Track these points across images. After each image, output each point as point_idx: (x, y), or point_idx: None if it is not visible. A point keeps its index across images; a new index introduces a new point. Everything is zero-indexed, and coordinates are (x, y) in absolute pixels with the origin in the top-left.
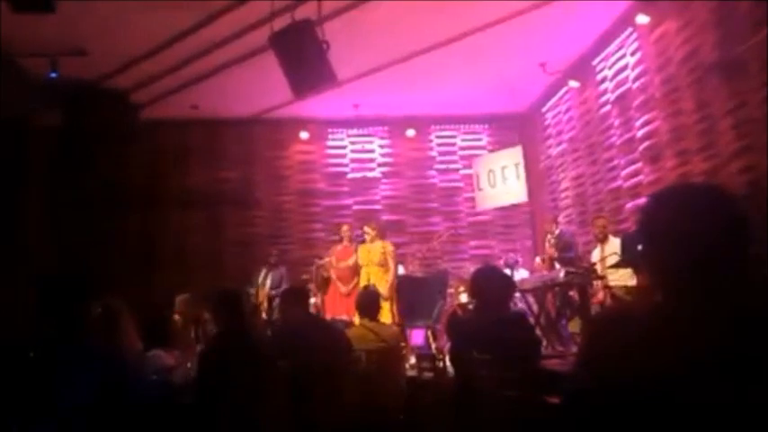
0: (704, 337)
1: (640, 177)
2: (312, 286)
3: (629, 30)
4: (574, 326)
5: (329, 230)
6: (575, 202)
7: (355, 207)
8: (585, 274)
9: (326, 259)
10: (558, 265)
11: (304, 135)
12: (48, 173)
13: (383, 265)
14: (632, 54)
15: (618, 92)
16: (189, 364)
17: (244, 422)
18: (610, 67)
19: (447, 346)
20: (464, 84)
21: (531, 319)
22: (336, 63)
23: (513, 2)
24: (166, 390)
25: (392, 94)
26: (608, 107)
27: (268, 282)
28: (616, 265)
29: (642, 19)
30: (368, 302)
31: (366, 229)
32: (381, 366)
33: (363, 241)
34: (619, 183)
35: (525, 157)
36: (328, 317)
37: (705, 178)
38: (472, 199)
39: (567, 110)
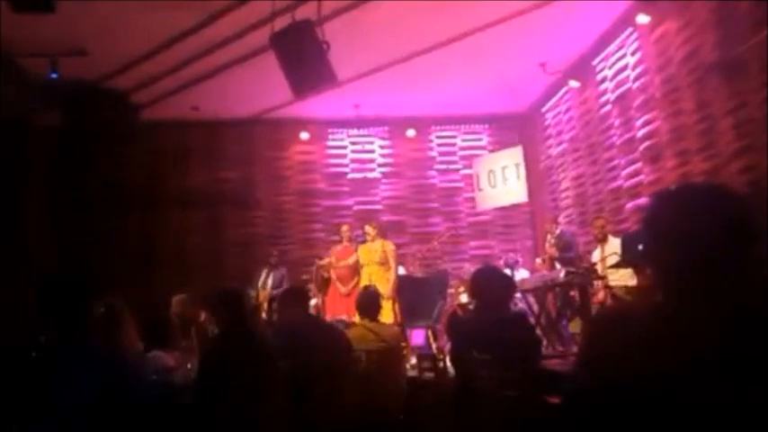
0: (704, 337)
1: (641, 177)
2: (312, 286)
3: (630, 30)
4: (574, 326)
5: (329, 231)
6: (575, 202)
7: (355, 207)
8: (586, 275)
9: (326, 260)
10: (558, 266)
11: (304, 135)
12: (48, 173)
13: (384, 264)
14: (632, 54)
15: (618, 92)
16: (189, 365)
17: (244, 422)
18: (610, 67)
19: (447, 346)
20: (464, 84)
21: (532, 320)
22: (337, 63)
23: (513, 2)
24: (166, 390)
25: (392, 94)
26: (608, 107)
27: (269, 282)
28: (616, 265)
29: (642, 19)
30: (368, 302)
31: (367, 228)
32: (381, 366)
33: (364, 241)
34: (619, 183)
35: (525, 157)
36: (328, 317)
37: (705, 178)
38: (472, 199)
39: (568, 110)
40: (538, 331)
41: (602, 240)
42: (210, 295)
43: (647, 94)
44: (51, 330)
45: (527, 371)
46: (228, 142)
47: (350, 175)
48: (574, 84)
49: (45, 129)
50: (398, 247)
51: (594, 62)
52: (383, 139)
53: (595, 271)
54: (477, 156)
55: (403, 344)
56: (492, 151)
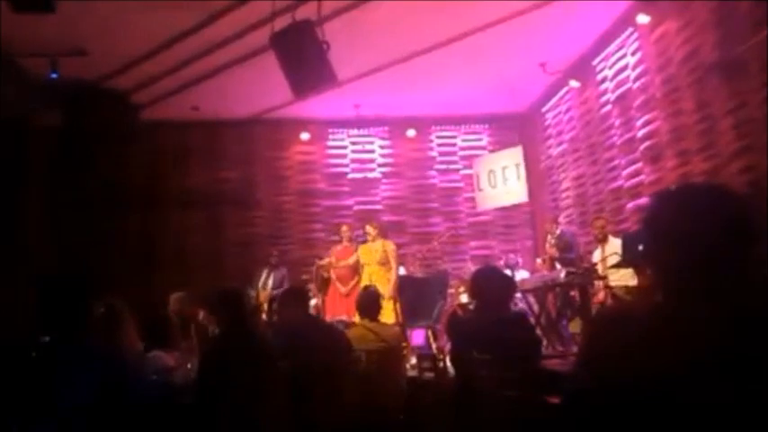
0: (704, 337)
1: (641, 177)
2: (312, 286)
3: (630, 30)
4: (575, 326)
5: (329, 231)
6: (575, 202)
7: (356, 207)
8: (586, 275)
9: (326, 260)
10: (558, 266)
11: (305, 136)
12: (48, 173)
13: (385, 264)
14: (633, 54)
15: (618, 92)
16: (189, 365)
17: (244, 422)
18: (610, 67)
19: (447, 346)
20: (464, 84)
21: (532, 320)
22: (337, 63)
23: (513, 2)
24: (167, 390)
25: (392, 94)
26: (608, 107)
27: (270, 282)
28: (617, 265)
29: (642, 19)
30: (368, 303)
31: (367, 228)
32: (381, 366)
33: (365, 241)
34: (619, 183)
35: (526, 157)
36: (328, 317)
37: (705, 178)
38: (472, 199)
39: (568, 110)
40: (538, 331)
41: (603, 240)
42: (210, 295)
43: (648, 94)
44: (51, 330)
45: (527, 371)
46: (228, 142)
47: (350, 175)
48: (574, 84)
49: (45, 129)
50: (399, 247)
51: (595, 62)
52: (383, 139)
53: (596, 271)
54: (477, 156)
55: (403, 344)
56: (492, 151)
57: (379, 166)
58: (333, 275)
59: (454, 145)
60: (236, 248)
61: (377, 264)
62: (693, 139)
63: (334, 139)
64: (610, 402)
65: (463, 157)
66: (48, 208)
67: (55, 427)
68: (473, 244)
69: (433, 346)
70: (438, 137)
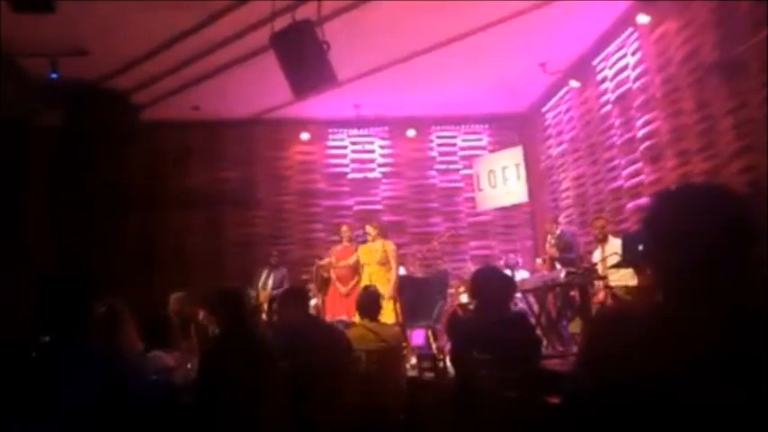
0: (704, 337)
1: (641, 177)
2: (312, 286)
3: (630, 30)
4: (575, 326)
5: (329, 231)
6: (575, 202)
7: (356, 207)
8: (586, 275)
9: (326, 260)
10: (558, 266)
11: (305, 136)
12: (48, 173)
13: (385, 264)
14: (633, 54)
15: (618, 92)
16: (189, 365)
17: (244, 422)
18: (610, 67)
19: (447, 346)
20: (464, 84)
21: (532, 320)
22: (337, 63)
23: (513, 2)
24: (166, 390)
25: (392, 94)
26: (608, 107)
27: (270, 282)
28: (617, 265)
29: (642, 19)
30: (368, 303)
31: (367, 228)
32: (381, 366)
33: (365, 241)
34: (619, 183)
35: (526, 157)
36: (328, 317)
37: (705, 178)
38: (472, 199)
39: (568, 110)
40: (538, 331)
41: (603, 240)
42: (210, 295)
43: (648, 94)
44: (51, 330)
45: (527, 371)
46: (228, 142)
47: (350, 175)
48: (574, 84)
49: (45, 129)
50: (399, 247)
51: (595, 62)
52: (383, 139)
53: (596, 271)
54: (477, 156)
55: (403, 344)
56: (492, 151)
57: (379, 166)
58: (333, 275)
59: (454, 145)
60: (236, 248)
61: (377, 264)
62: (693, 139)
63: (334, 139)
64: (610, 402)
65: (463, 157)
66: (48, 208)
67: (55, 427)
68: (473, 244)
69: (433, 346)
70: (438, 137)
